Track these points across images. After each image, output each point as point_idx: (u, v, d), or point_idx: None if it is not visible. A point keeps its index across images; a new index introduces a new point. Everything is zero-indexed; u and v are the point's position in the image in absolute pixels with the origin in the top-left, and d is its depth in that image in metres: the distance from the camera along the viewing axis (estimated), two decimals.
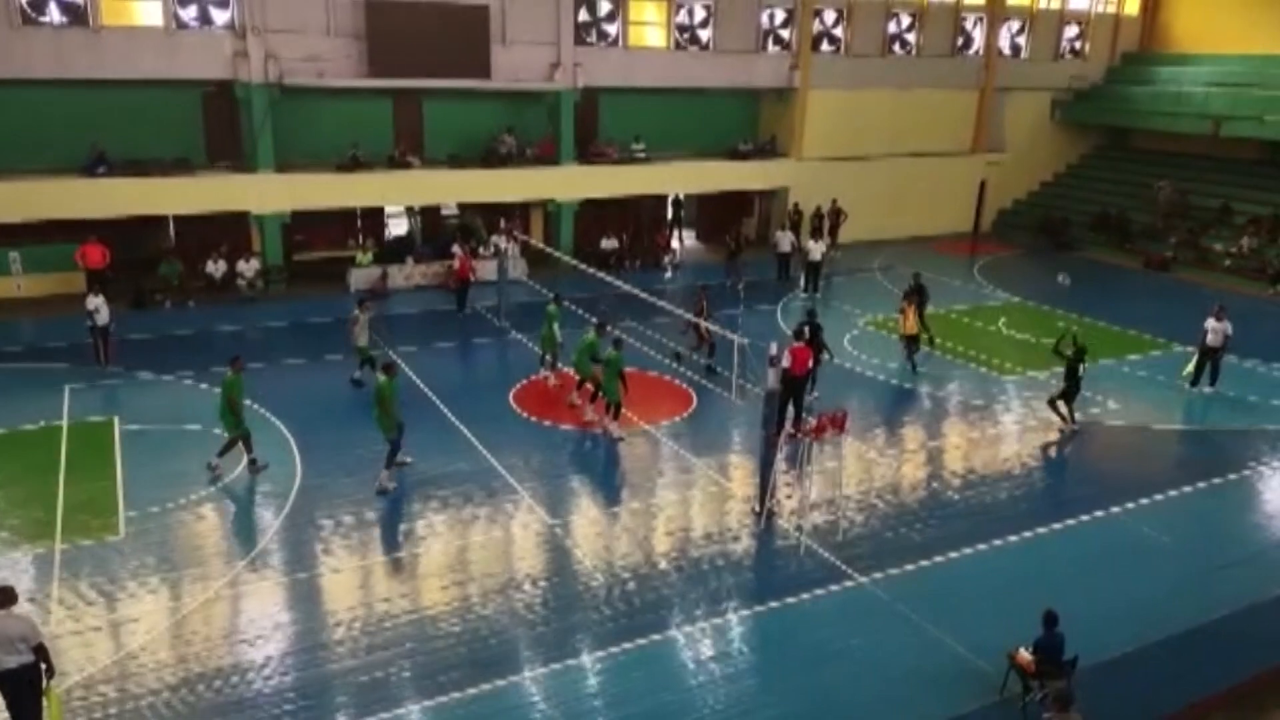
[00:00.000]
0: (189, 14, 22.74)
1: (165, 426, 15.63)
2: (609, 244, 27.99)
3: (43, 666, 8.49)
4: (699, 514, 13.76)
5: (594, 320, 17.48)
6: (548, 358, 18.27)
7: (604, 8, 27.58)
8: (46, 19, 21.47)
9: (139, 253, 23.63)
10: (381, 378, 13.63)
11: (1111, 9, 36.95)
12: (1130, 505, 14.18)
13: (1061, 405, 16.70)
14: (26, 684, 8.46)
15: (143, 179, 22.65)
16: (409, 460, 14.47)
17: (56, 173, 22.18)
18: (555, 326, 17.83)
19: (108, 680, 9.75)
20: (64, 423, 15.79)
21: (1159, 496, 14.50)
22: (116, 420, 15.90)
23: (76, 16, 21.68)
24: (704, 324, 18.29)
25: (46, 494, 13.40)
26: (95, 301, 17.75)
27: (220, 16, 23.01)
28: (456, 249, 24.09)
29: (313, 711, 9.43)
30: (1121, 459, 16.24)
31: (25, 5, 21.19)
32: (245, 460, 14.28)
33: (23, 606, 10.79)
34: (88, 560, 11.85)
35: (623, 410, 15.94)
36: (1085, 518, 13.79)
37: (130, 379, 17.92)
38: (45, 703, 8.56)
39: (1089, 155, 37.68)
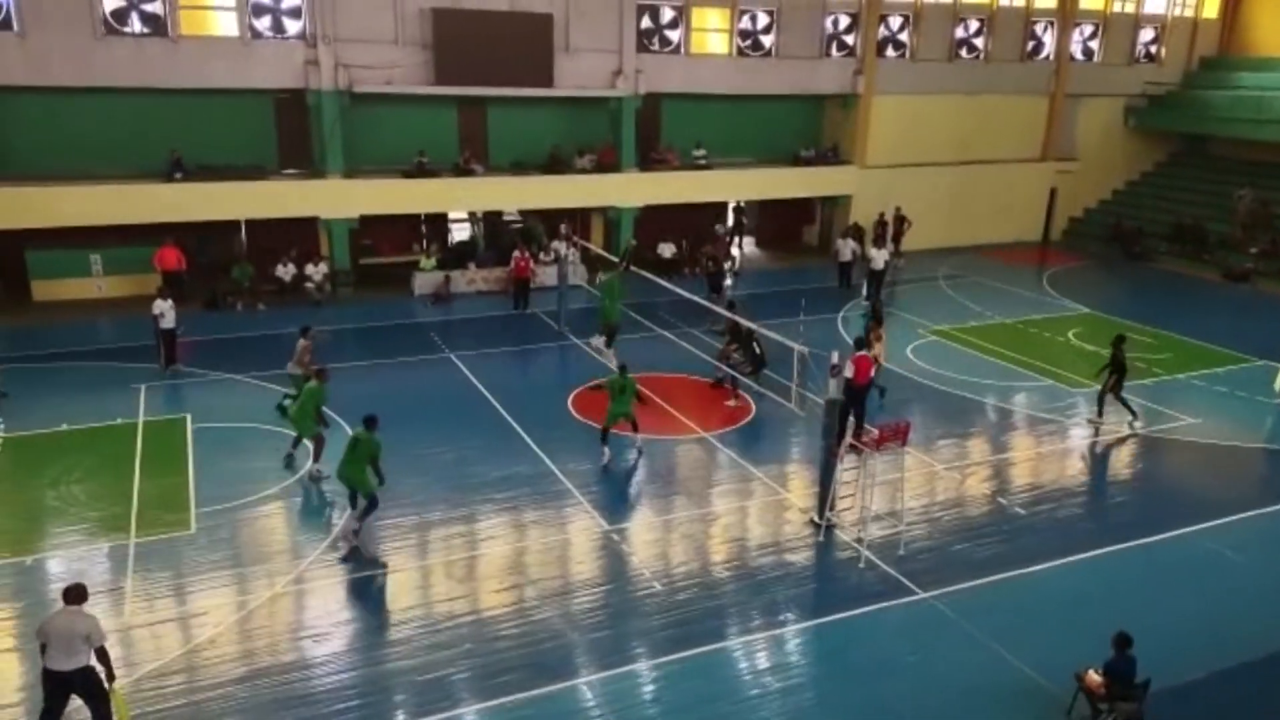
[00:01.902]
0: (263, 24, 23.36)
1: (235, 425, 16.04)
2: (667, 250, 27.97)
3: (101, 670, 8.58)
4: (757, 523, 13.66)
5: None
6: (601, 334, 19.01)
7: (666, 15, 27.62)
8: (128, 29, 22.23)
9: (213, 256, 24.32)
10: (363, 432, 12.40)
11: (1189, 12, 35.83)
12: (1206, 524, 13.67)
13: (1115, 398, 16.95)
14: (89, 685, 8.57)
15: (218, 184, 23.31)
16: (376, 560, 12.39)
17: (136, 178, 22.93)
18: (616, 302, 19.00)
19: (177, 671, 10.01)
20: (139, 420, 16.30)
21: (1236, 515, 13.96)
22: (189, 418, 16.36)
23: (156, 27, 22.41)
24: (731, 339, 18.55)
25: (123, 489, 13.84)
26: (162, 305, 18.19)
27: (293, 26, 23.60)
28: (517, 252, 24.45)
29: (372, 709, 9.56)
30: (1197, 476, 15.71)
31: (108, 16, 21.98)
32: (290, 451, 14.78)
33: (99, 597, 11.20)
34: (160, 554, 12.20)
35: (681, 418, 15.94)
36: (1158, 536, 13.34)
37: (202, 378, 18.43)
38: (115, 707, 8.72)
39: (1164, 163, 36.57)
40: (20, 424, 15.95)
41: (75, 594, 8.56)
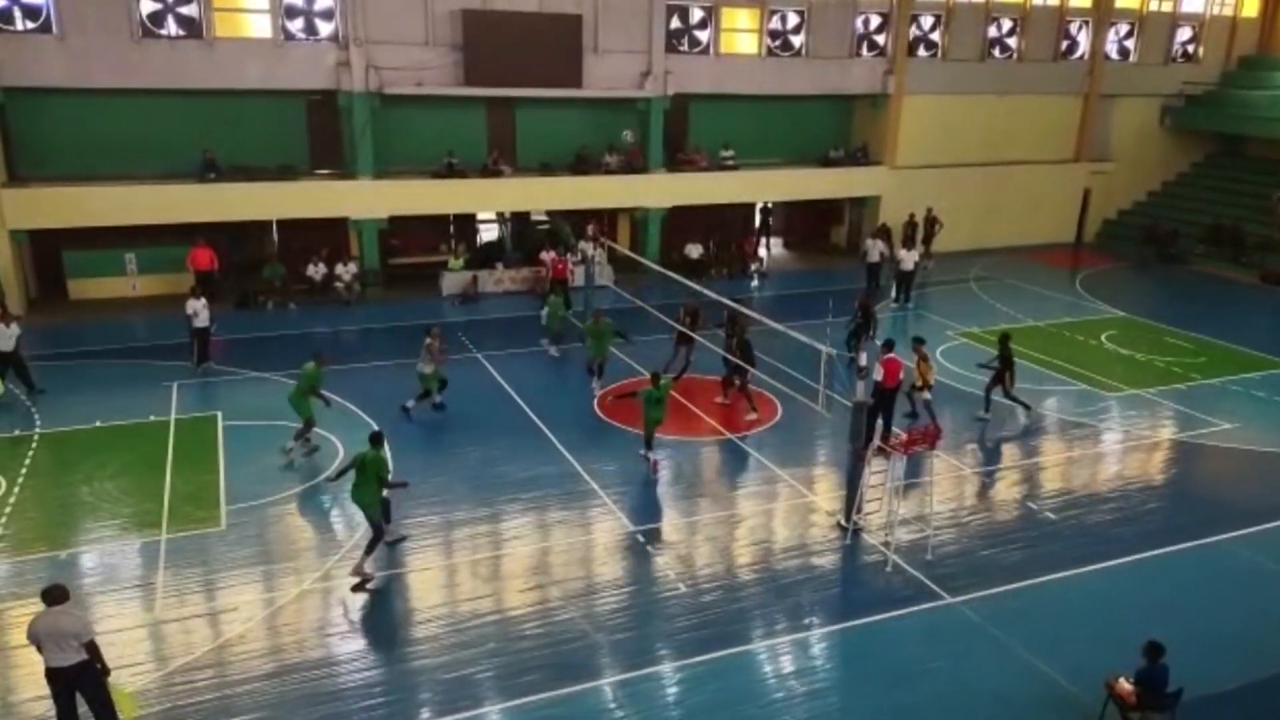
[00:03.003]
0: (296, 26, 23.60)
1: (265, 423, 16.20)
2: (694, 251, 27.93)
3: (97, 666, 8.66)
4: (783, 526, 13.60)
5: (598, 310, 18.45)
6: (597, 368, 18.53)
7: (696, 15, 27.58)
8: (164, 32, 22.55)
9: (245, 255, 24.61)
10: (369, 450, 11.95)
11: (1228, 11, 35.22)
12: (1241, 531, 13.44)
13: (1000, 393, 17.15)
14: (87, 681, 8.65)
15: (250, 184, 23.57)
16: (405, 535, 12.75)
17: (170, 178, 23.23)
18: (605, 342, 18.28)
19: (207, 666, 10.14)
20: (171, 417, 16.52)
21: (1273, 523, 13.69)
22: (220, 416, 16.56)
23: (192, 29, 22.71)
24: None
25: (155, 485, 14.04)
26: (195, 305, 18.47)
27: (325, 28, 23.81)
28: (551, 253, 24.51)
29: (397, 706, 9.63)
30: (1233, 482, 15.44)
31: (145, 19, 22.30)
32: (304, 434, 15.12)
33: (131, 592, 11.37)
34: (191, 550, 12.36)
35: (707, 420, 15.85)
36: (1192, 543, 13.14)
37: (233, 377, 18.65)
38: (118, 703, 8.81)
39: (1201, 164, 35.98)
40: (56, 420, 16.23)
41: (55, 595, 8.55)
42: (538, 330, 21.06)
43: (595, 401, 17.76)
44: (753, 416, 17.17)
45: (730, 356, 17.46)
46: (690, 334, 18.59)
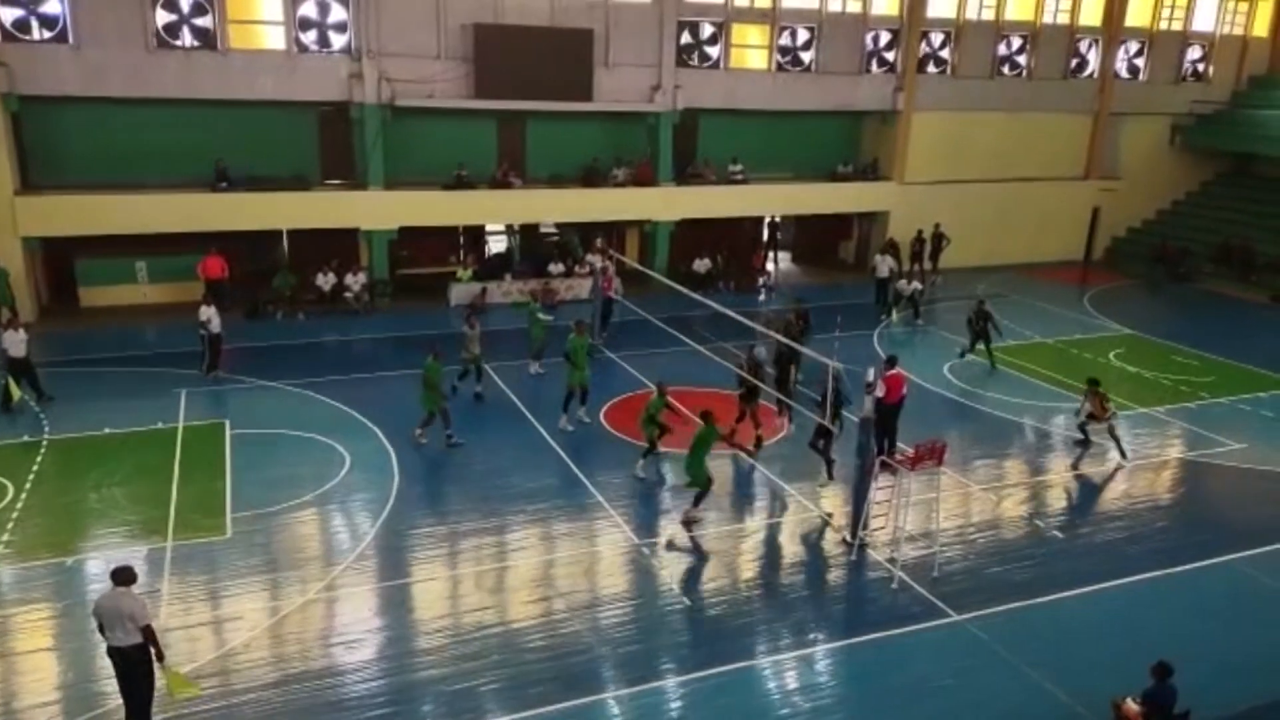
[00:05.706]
0: (309, 38, 23.77)
1: (273, 432, 16.24)
2: (702, 265, 27.94)
3: (152, 650, 8.84)
4: (788, 541, 13.56)
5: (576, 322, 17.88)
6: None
7: (706, 30, 27.70)
8: (179, 43, 22.74)
9: (255, 265, 24.72)
10: (704, 427, 13.37)
11: (1239, 30, 35.26)
12: (1250, 552, 13.35)
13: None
14: (136, 664, 8.83)
15: (261, 194, 23.70)
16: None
17: (182, 187, 23.37)
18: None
19: (211, 675, 10.12)
20: (180, 425, 16.56)
21: None
22: (227, 424, 16.60)
23: (206, 40, 22.90)
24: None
25: (161, 493, 14.07)
26: (208, 312, 18.60)
27: (338, 40, 23.98)
28: (598, 262, 24.16)
29: (401, 717, 9.60)
30: (1243, 502, 15.34)
31: (160, 30, 22.50)
32: (419, 430, 16.05)
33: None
34: (197, 558, 12.37)
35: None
36: (1201, 563, 13.06)
37: (242, 385, 18.70)
38: (164, 682, 8.98)
39: (1211, 182, 35.93)
40: (64, 427, 16.28)
41: (121, 576, 8.83)
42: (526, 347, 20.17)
43: (602, 413, 17.72)
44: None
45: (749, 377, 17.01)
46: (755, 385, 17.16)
